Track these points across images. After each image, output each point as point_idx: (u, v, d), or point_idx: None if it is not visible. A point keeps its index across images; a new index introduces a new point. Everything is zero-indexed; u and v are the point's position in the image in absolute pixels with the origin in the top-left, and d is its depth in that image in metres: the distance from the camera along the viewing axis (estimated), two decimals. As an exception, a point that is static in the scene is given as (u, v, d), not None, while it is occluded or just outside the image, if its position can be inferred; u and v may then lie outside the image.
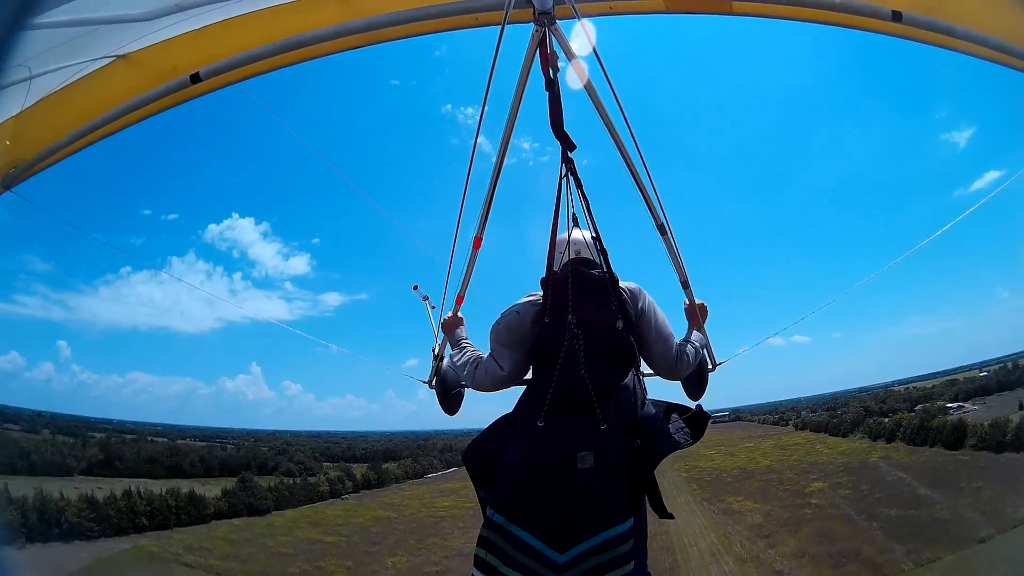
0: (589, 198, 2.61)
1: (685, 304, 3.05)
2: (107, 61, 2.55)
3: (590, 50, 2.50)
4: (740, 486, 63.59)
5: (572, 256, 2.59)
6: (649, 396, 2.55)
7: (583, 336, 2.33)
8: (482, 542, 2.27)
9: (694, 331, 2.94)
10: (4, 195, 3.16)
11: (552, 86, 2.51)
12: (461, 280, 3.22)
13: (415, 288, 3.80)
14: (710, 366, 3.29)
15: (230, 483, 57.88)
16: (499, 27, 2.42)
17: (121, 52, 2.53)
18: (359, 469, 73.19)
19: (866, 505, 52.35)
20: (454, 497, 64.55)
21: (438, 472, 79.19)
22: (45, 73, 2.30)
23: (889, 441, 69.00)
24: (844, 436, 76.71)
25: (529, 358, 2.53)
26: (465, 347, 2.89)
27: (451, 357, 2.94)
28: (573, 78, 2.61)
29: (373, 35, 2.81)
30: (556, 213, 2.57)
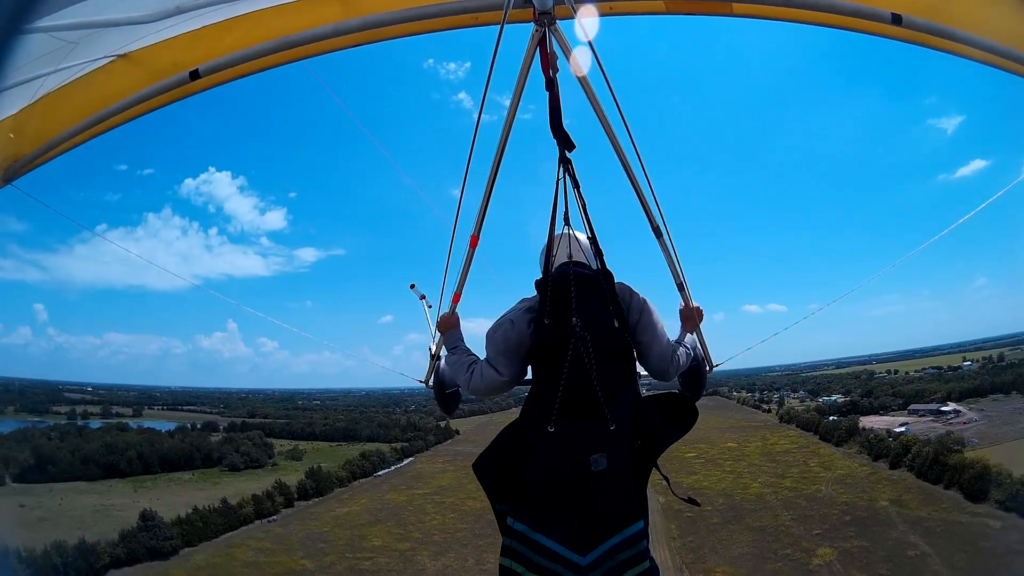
0: (584, 199, 2.63)
1: (681, 306, 3.06)
2: (108, 60, 2.55)
3: (590, 50, 2.50)
4: (728, 535, 50.52)
5: (567, 258, 2.58)
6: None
7: (588, 338, 2.33)
8: (506, 551, 2.31)
9: (686, 333, 2.97)
10: (5, 188, 3.18)
11: (552, 86, 2.52)
12: (458, 279, 3.24)
13: (412, 287, 3.80)
14: (708, 367, 3.31)
15: (135, 514, 49.34)
16: (499, 27, 2.43)
17: (122, 52, 2.53)
18: (302, 467, 66.32)
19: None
20: (390, 526, 55.27)
21: (390, 467, 72.24)
22: (48, 74, 2.31)
23: (893, 467, 59.38)
24: (838, 446, 67.83)
25: (526, 363, 2.53)
26: (461, 350, 2.86)
27: (446, 359, 2.93)
28: (572, 78, 2.62)
29: (372, 34, 2.80)
30: (553, 214, 2.58)
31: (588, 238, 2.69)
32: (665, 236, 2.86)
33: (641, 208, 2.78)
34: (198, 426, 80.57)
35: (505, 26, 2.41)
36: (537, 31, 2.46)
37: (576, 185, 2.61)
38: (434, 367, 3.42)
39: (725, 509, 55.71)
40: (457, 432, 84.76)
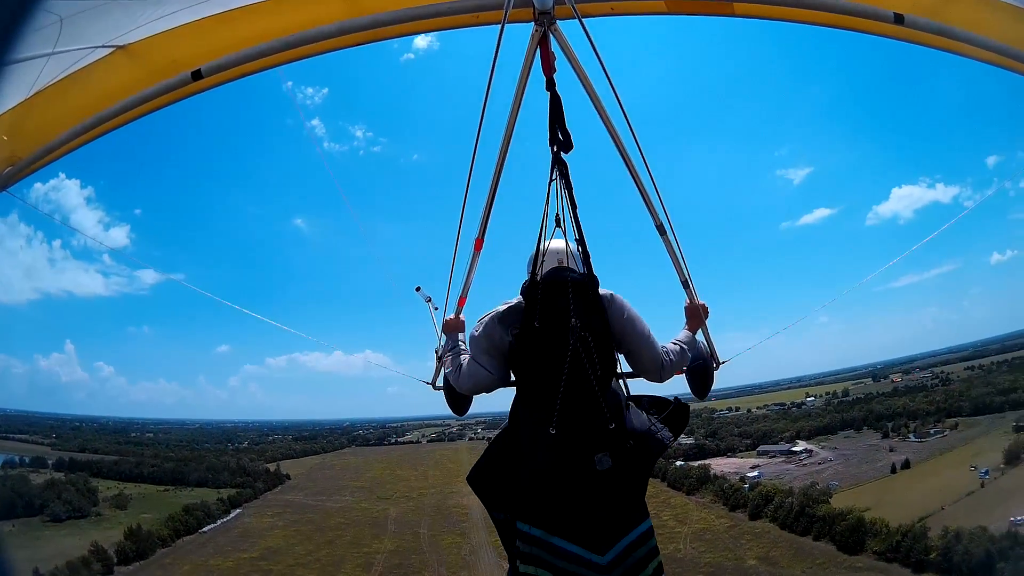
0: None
1: (686, 304, 3.02)
2: (107, 52, 2.54)
3: (591, 50, 2.49)
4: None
5: (557, 262, 2.60)
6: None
7: (590, 339, 2.32)
8: (526, 559, 2.28)
9: (685, 330, 2.93)
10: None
11: (552, 86, 2.52)
12: (463, 282, 3.19)
13: (417, 289, 3.74)
14: (715, 365, 3.25)
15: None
16: (499, 27, 2.42)
17: (121, 42, 2.52)
18: (127, 519, 60.05)
19: None
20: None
21: (216, 522, 65.19)
22: (47, 56, 2.28)
23: (754, 518, 54.82)
24: (690, 494, 62.43)
25: (509, 366, 2.50)
26: (457, 350, 2.86)
27: (442, 358, 2.95)
28: (568, 78, 2.61)
29: (375, 32, 2.81)
30: (545, 216, 2.56)
31: (577, 240, 2.68)
32: (669, 233, 2.82)
33: (645, 206, 2.75)
34: (27, 461, 74.52)
35: (505, 26, 2.41)
36: (537, 31, 2.46)
37: (569, 187, 2.60)
38: (440, 369, 3.36)
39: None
40: (288, 477, 76.97)
